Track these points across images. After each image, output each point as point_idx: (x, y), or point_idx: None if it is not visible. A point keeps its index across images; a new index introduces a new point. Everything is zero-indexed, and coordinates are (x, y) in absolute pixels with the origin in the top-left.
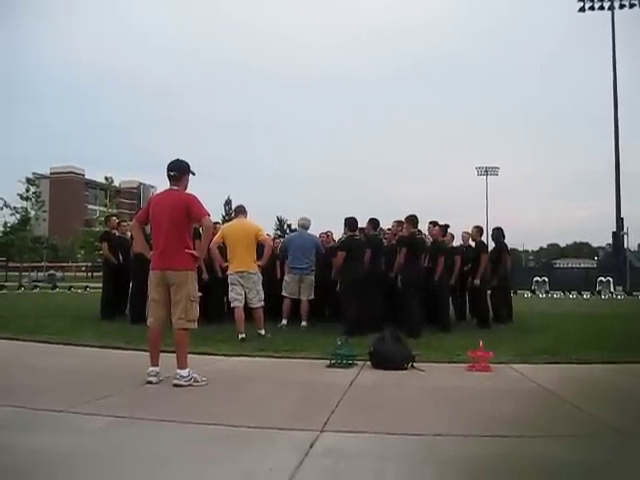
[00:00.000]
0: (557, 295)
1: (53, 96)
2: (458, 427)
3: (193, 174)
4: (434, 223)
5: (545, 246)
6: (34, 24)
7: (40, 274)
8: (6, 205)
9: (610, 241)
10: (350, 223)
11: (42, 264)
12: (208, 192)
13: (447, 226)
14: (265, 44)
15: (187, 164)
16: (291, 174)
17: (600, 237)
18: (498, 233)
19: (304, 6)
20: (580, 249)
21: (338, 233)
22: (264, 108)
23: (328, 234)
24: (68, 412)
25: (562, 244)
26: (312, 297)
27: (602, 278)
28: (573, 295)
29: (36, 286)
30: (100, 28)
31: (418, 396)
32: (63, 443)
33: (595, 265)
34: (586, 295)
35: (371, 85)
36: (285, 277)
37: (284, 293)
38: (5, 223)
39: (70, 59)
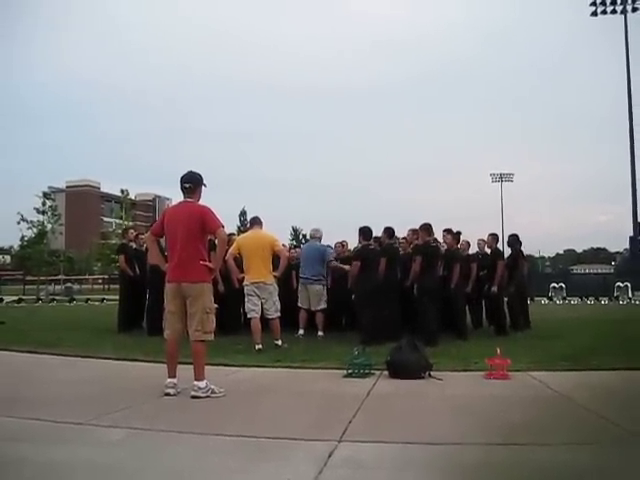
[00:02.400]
0: (574, 301)
1: (65, 111)
2: (477, 436)
3: (205, 186)
4: (448, 231)
5: (561, 252)
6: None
7: (57, 287)
8: (23, 219)
9: (627, 246)
10: (364, 232)
11: (59, 277)
12: (223, 203)
13: (459, 233)
14: (279, 55)
15: (200, 176)
16: (306, 184)
17: (617, 242)
18: (514, 240)
19: (317, 16)
20: (597, 254)
21: (353, 242)
22: (278, 118)
23: (343, 244)
24: (87, 424)
25: (579, 250)
26: (322, 307)
27: (620, 283)
28: (590, 301)
29: (53, 299)
30: (106, 43)
31: (436, 405)
32: (82, 455)
33: (612, 270)
34: (604, 301)
35: (384, 93)
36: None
37: (299, 304)
38: (22, 237)
39: (81, 74)
